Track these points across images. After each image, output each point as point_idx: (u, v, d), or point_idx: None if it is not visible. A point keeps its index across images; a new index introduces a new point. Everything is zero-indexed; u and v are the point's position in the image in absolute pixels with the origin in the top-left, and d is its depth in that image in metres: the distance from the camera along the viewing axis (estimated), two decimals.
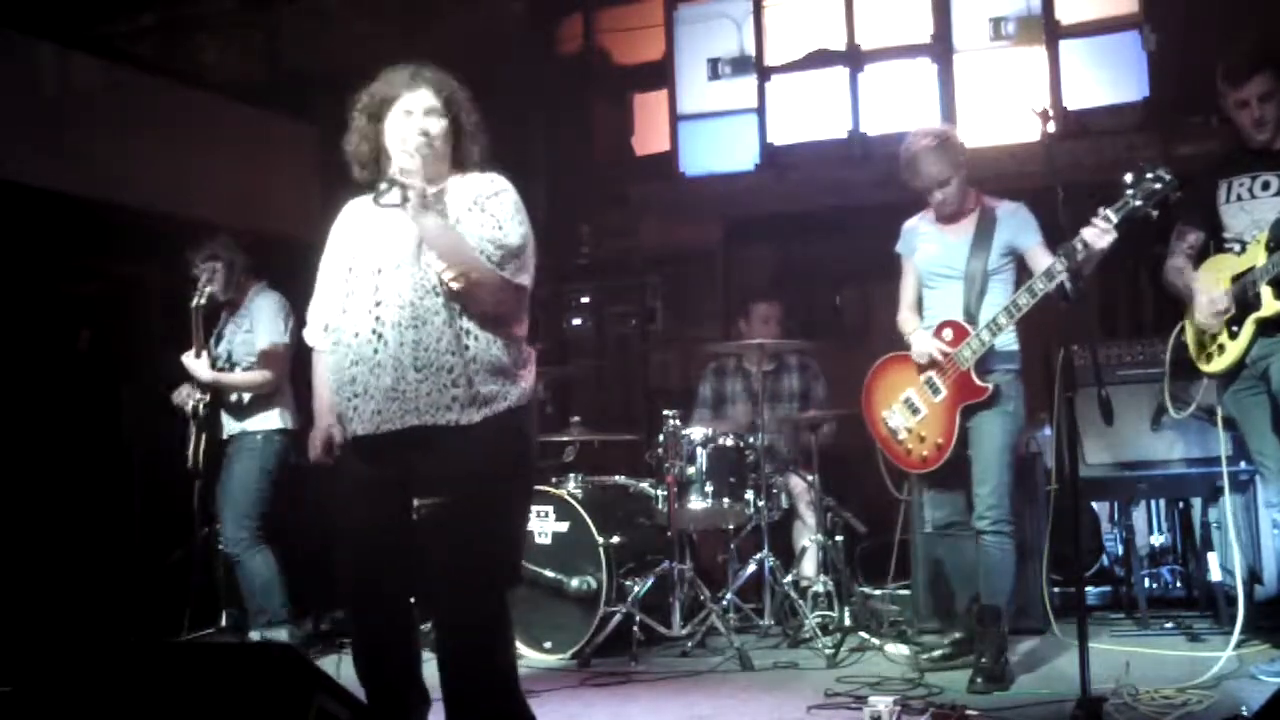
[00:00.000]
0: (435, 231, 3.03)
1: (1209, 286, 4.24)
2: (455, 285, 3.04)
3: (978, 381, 4.28)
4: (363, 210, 3.25)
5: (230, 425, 5.15)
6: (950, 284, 4.41)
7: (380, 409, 3.06)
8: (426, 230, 3.02)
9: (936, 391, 4.39)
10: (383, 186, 3.02)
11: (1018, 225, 4.35)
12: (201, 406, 5.12)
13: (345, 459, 3.21)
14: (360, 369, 3.09)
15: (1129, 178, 3.93)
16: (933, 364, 4.38)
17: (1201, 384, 4.48)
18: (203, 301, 5.08)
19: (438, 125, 3.15)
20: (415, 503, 3.06)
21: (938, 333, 4.38)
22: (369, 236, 3.17)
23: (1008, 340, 4.36)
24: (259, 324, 5.17)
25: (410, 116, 3.14)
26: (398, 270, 3.09)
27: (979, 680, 4.18)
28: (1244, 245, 4.17)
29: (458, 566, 3.07)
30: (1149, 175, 3.89)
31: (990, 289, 4.33)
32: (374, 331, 3.07)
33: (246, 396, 5.12)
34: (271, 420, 5.14)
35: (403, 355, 3.04)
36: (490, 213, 3.11)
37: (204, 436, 5.12)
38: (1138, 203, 3.89)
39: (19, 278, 5.67)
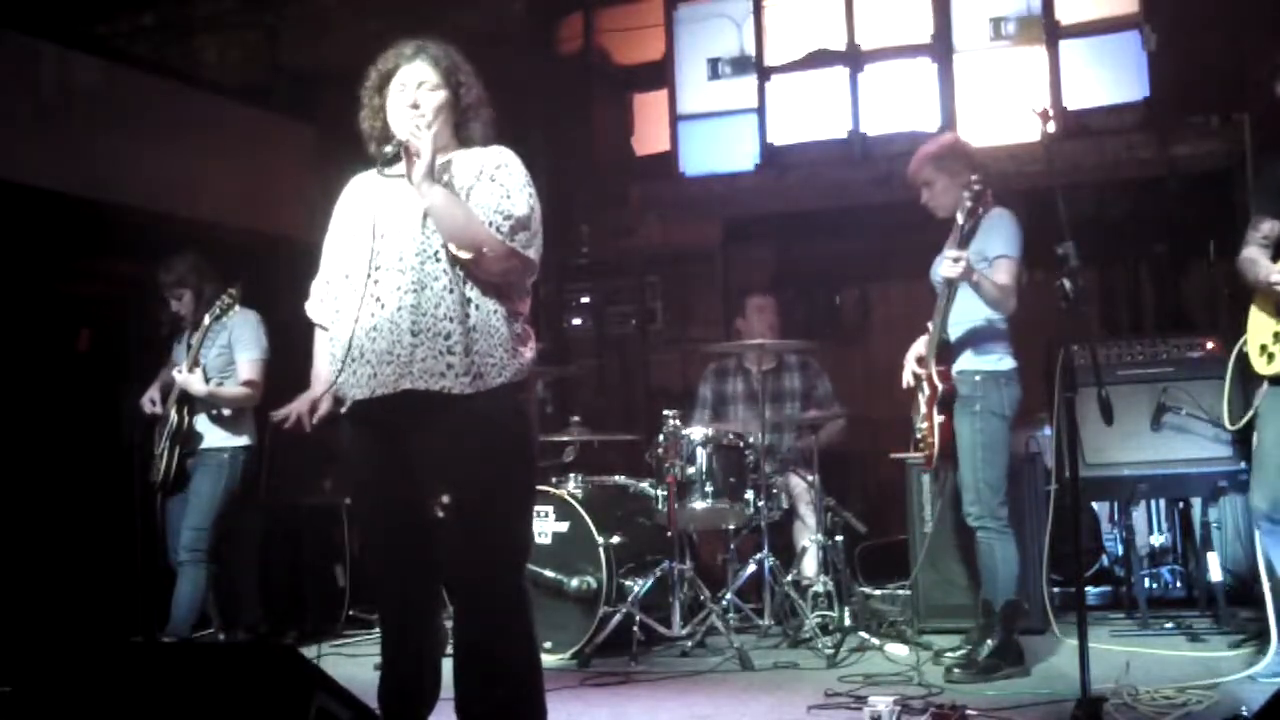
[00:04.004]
0: (442, 203, 3.03)
1: None
2: (463, 256, 3.04)
3: (937, 380, 4.42)
4: (367, 182, 3.27)
5: (200, 440, 5.16)
6: (941, 289, 4.53)
7: (375, 372, 3.05)
8: (434, 202, 3.03)
9: (923, 393, 4.55)
10: (388, 151, 3.12)
11: (986, 234, 4.40)
12: (185, 423, 5.11)
13: (355, 440, 3.21)
14: (357, 333, 3.08)
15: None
16: (917, 366, 4.55)
17: (1260, 392, 4.19)
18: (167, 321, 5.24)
19: (432, 99, 3.14)
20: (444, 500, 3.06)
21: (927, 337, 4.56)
22: (373, 204, 3.18)
23: (974, 339, 4.43)
24: (240, 340, 5.18)
25: (404, 90, 3.15)
26: (400, 235, 3.09)
27: (955, 671, 4.30)
28: None
29: (465, 549, 3.07)
30: (973, 181, 4.18)
31: (960, 294, 4.38)
32: (374, 296, 3.07)
33: (227, 411, 5.15)
34: (239, 438, 5.20)
35: (400, 320, 3.04)
36: (499, 182, 3.10)
37: (177, 451, 5.12)
38: (969, 204, 4.18)
39: (19, 278, 5.67)
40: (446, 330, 3.04)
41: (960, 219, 4.21)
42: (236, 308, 5.10)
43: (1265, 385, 4.10)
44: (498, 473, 3.09)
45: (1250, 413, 4.25)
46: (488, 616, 3.12)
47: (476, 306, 3.07)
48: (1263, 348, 4.08)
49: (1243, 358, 4.20)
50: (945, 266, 4.21)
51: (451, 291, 3.05)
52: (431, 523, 3.06)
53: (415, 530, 3.11)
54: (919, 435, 4.63)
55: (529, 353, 3.17)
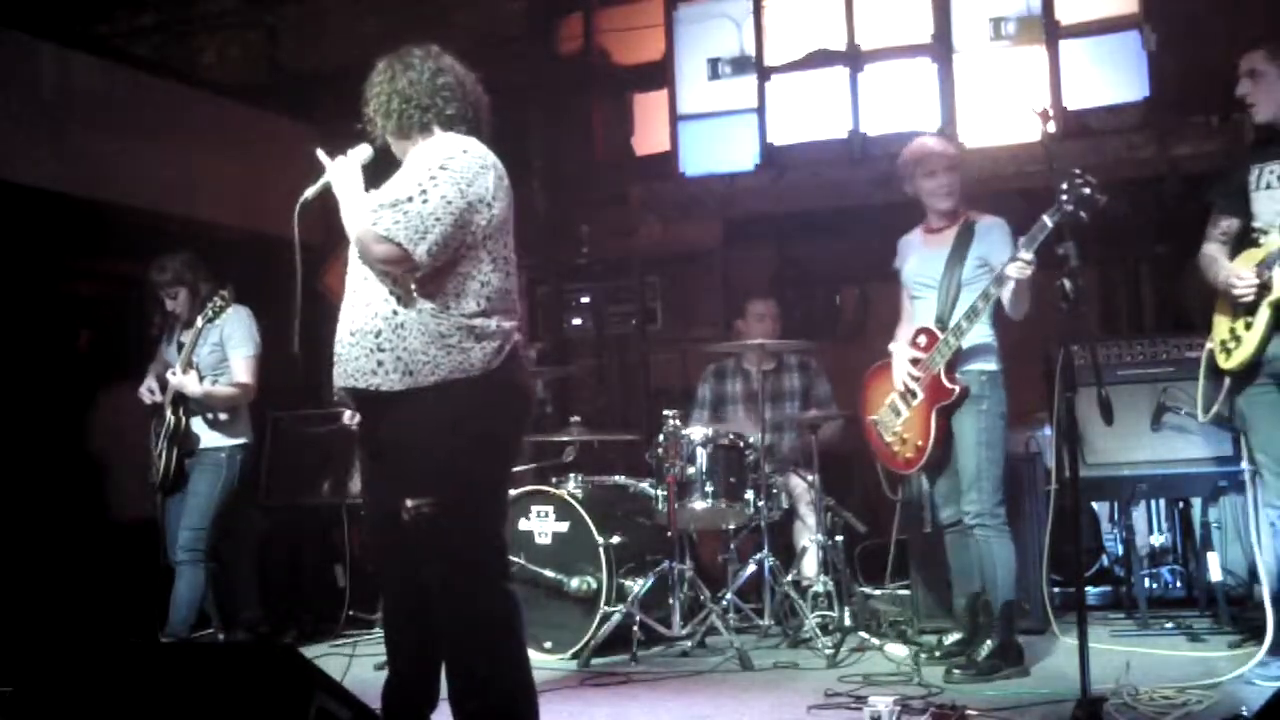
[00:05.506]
0: (341, 206, 3.20)
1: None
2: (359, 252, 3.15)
3: (946, 383, 4.41)
4: None
5: (197, 441, 5.15)
6: (930, 293, 4.55)
7: (335, 369, 3.17)
8: (340, 200, 3.23)
9: (914, 395, 4.52)
10: (306, 196, 3.37)
11: (993, 242, 4.46)
12: (181, 423, 5.09)
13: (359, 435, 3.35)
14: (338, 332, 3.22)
15: (1063, 185, 3.90)
16: (912, 368, 4.51)
17: (1225, 388, 4.23)
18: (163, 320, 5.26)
19: (367, 108, 3.28)
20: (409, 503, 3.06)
21: (914, 339, 4.54)
22: None
23: (979, 343, 4.45)
24: (232, 337, 5.16)
25: None
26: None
27: (955, 672, 4.30)
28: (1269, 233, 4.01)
29: (420, 550, 3.10)
30: (1079, 180, 3.87)
31: (963, 298, 4.43)
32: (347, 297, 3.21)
33: (223, 415, 5.15)
34: (236, 437, 5.20)
35: (346, 319, 3.15)
36: (410, 169, 3.17)
37: (175, 452, 5.11)
38: (1069, 207, 3.88)
39: (19, 278, 5.67)
40: (376, 328, 3.08)
41: (1049, 221, 4.01)
42: (229, 309, 5.10)
43: (1227, 381, 4.17)
44: (443, 474, 3.06)
45: (1215, 407, 4.26)
46: (452, 622, 3.11)
47: (405, 303, 3.08)
48: (1222, 343, 4.17)
49: (1211, 353, 4.26)
50: (1016, 269, 4.13)
51: (380, 289, 3.10)
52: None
53: (400, 530, 3.10)
54: (893, 438, 4.61)
55: (481, 350, 3.08)
